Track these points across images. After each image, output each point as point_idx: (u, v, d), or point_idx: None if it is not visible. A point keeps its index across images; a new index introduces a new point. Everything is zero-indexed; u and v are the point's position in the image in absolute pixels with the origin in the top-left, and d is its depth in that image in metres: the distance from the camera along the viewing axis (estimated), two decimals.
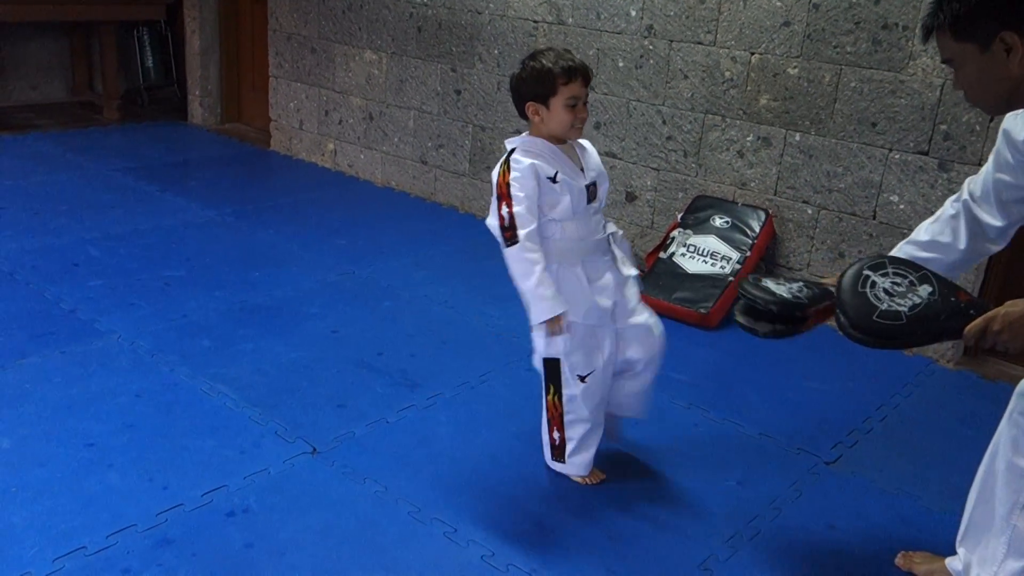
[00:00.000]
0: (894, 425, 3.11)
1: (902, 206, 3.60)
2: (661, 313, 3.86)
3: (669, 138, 4.24)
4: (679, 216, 4.14)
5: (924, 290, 1.85)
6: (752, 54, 3.89)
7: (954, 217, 2.15)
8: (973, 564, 2.07)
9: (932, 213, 3.48)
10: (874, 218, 3.68)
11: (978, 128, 3.35)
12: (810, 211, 3.85)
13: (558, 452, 2.59)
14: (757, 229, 3.90)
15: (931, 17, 1.78)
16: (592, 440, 2.58)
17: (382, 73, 5.40)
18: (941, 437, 3.06)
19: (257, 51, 6.52)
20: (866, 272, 1.91)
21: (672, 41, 4.12)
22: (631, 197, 4.44)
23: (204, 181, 5.51)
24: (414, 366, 3.27)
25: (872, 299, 1.87)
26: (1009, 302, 1.75)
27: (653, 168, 4.33)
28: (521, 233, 2.29)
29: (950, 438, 3.06)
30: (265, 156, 6.20)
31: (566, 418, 2.53)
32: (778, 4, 3.76)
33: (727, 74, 3.98)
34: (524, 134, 2.42)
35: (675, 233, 4.08)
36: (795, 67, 3.77)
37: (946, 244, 2.15)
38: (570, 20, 4.45)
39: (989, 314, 1.76)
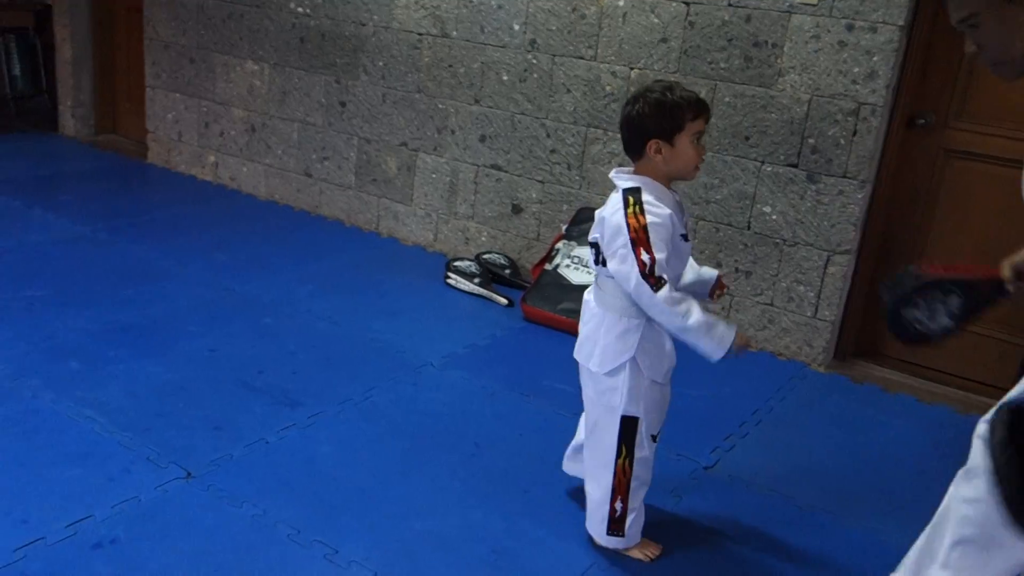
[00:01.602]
0: (769, 428, 3.22)
1: (774, 216, 3.73)
2: (546, 324, 3.92)
3: (553, 151, 4.28)
4: (564, 228, 4.19)
5: (954, 302, 1.99)
6: (632, 69, 3.97)
7: None
8: None
9: (802, 223, 3.66)
10: (749, 228, 3.80)
11: (842, 142, 3.50)
12: (689, 222, 3.95)
13: (617, 525, 2.36)
14: None
15: None
16: (643, 507, 2.40)
17: (264, 84, 5.29)
18: (812, 438, 3.18)
19: (132, 60, 6.29)
20: (903, 312, 2.04)
21: (555, 55, 4.17)
22: (517, 209, 4.46)
23: (75, 195, 5.28)
24: (295, 384, 3.20)
25: (920, 329, 2.03)
26: None
27: (538, 180, 4.37)
28: (665, 278, 2.10)
29: (821, 439, 3.18)
30: (142, 169, 5.98)
31: (633, 484, 2.32)
32: (656, 21, 3.86)
33: (608, 88, 4.05)
34: (630, 170, 2.23)
35: (560, 245, 4.13)
36: None
37: None
38: (454, 33, 4.45)
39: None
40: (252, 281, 4.13)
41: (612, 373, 2.25)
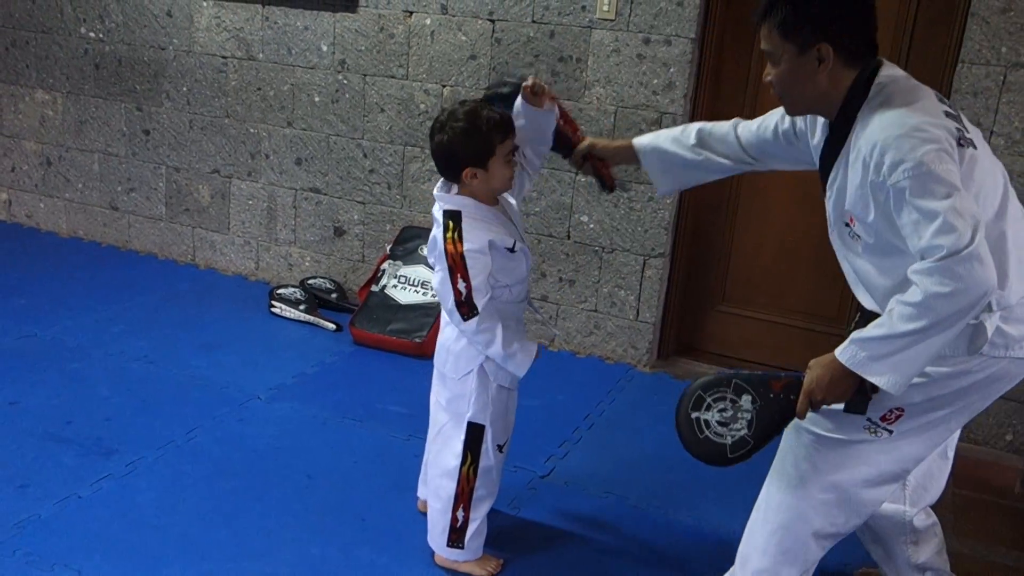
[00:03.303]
0: (600, 432, 3.30)
1: (591, 225, 3.84)
2: (376, 346, 3.87)
3: (372, 171, 4.24)
4: (388, 248, 4.15)
5: (747, 402, 1.91)
6: (444, 86, 3.99)
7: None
8: None
9: (617, 230, 3.79)
10: (568, 238, 3.90)
11: None
12: (521, 229, 4.00)
13: (457, 536, 2.37)
14: None
15: (764, 10, 1.89)
16: (485, 521, 2.41)
17: (58, 114, 4.96)
18: (641, 437, 3.29)
19: None
20: (695, 416, 1.95)
21: (366, 75, 4.14)
22: (339, 232, 4.39)
23: None
24: (110, 431, 3.00)
25: (715, 439, 1.92)
26: (812, 363, 1.87)
27: (359, 202, 4.31)
28: (479, 305, 2.17)
29: (649, 437, 3.29)
30: None
31: (475, 494, 2.35)
32: (464, 39, 3.90)
33: (422, 106, 4.06)
34: (454, 191, 2.25)
35: (386, 265, 4.09)
36: None
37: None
38: (261, 55, 4.33)
39: (806, 389, 1.86)
40: (56, 324, 3.85)
41: (463, 379, 2.30)
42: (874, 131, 1.78)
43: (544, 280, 3.98)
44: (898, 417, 1.90)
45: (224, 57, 4.43)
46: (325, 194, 4.38)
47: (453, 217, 2.18)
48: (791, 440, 2.05)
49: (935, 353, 1.75)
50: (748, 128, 2.30)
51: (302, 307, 4.14)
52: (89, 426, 3.03)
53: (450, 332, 2.33)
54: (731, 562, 2.48)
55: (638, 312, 3.86)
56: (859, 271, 1.97)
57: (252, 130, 4.46)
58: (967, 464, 2.70)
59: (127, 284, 4.42)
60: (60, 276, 4.46)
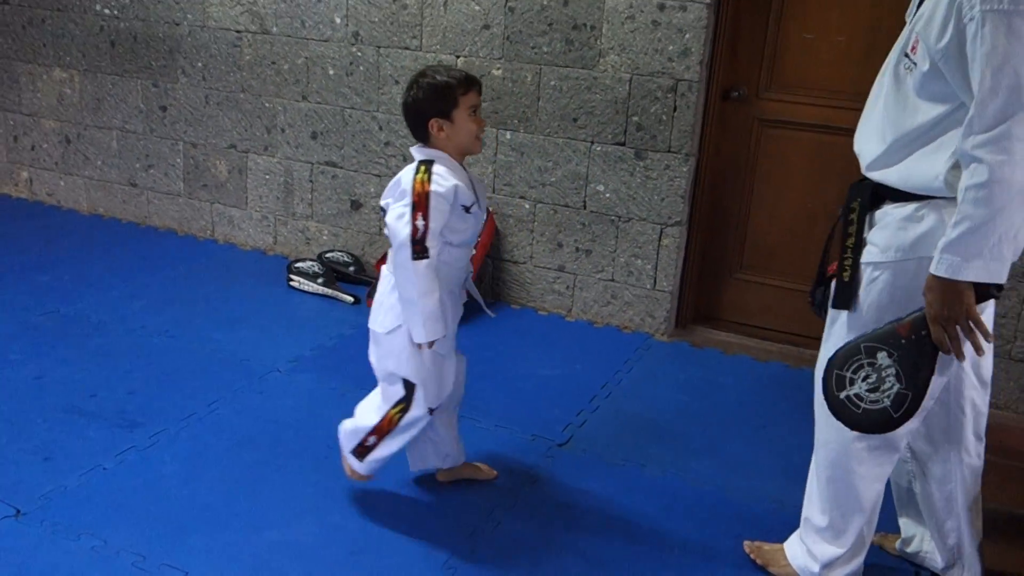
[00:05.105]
0: (618, 400, 3.31)
1: (607, 194, 3.83)
2: None
3: (387, 144, 4.24)
4: None
5: (883, 358, 1.87)
6: (457, 57, 3.97)
7: None
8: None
9: (634, 199, 3.77)
10: (584, 208, 3.89)
11: (664, 118, 3.63)
12: (527, 206, 4.00)
13: (363, 451, 2.49)
14: None
15: None
16: (392, 453, 2.53)
17: (75, 92, 4.98)
18: (659, 406, 3.29)
19: None
20: (843, 396, 1.93)
21: (379, 47, 4.12)
22: (356, 205, 4.40)
23: None
24: (133, 404, 3.04)
25: (874, 408, 1.89)
26: (923, 291, 1.84)
27: (375, 175, 4.31)
28: (432, 251, 2.22)
29: (667, 406, 3.29)
30: None
31: (392, 432, 2.45)
32: (476, 8, 3.87)
33: None
34: (426, 148, 2.33)
35: None
36: (499, 68, 3.90)
37: None
38: (275, 29, 4.33)
39: (931, 318, 1.82)
40: (79, 301, 3.89)
41: (391, 333, 2.35)
42: None
43: (560, 250, 3.97)
44: None
45: (238, 31, 4.43)
46: (341, 167, 4.39)
47: (426, 163, 2.26)
48: None
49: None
50: None
51: (320, 280, 4.16)
52: (113, 399, 3.07)
53: (384, 286, 2.38)
54: (749, 530, 2.50)
55: (655, 281, 3.85)
56: (891, 111, 1.94)
57: (267, 104, 4.47)
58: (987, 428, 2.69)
59: (147, 260, 4.46)
60: (82, 253, 4.51)
